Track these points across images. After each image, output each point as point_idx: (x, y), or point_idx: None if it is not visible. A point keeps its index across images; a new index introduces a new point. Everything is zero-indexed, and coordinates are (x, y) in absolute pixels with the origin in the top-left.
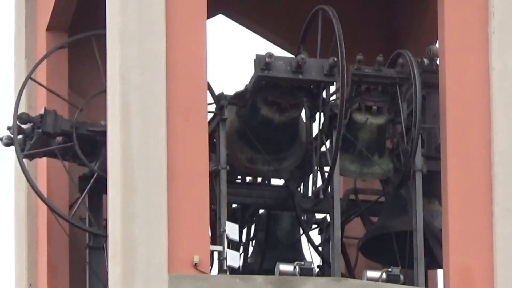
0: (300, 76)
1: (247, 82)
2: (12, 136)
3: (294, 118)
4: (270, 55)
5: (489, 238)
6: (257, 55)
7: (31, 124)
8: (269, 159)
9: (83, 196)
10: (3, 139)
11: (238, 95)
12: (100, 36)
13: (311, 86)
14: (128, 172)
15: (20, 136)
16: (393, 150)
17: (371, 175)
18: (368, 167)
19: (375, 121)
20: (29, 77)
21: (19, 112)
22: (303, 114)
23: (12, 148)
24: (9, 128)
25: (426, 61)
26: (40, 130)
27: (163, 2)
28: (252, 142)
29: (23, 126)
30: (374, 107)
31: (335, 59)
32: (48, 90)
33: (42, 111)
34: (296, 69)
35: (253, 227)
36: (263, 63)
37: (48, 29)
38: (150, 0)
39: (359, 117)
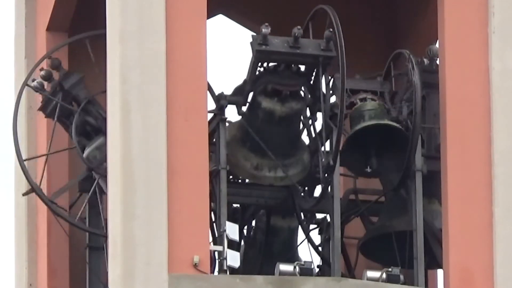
0: (298, 51)
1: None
2: (41, 82)
3: (296, 112)
4: (266, 25)
5: (489, 238)
6: (253, 36)
7: (58, 76)
8: (275, 160)
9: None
10: (35, 82)
11: (238, 89)
12: (100, 36)
13: (310, 73)
14: (128, 172)
15: (46, 86)
16: None
17: (390, 119)
18: (383, 120)
19: (374, 100)
20: (29, 77)
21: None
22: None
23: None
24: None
25: (426, 61)
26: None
27: (163, 2)
28: (257, 147)
29: (52, 70)
30: (369, 97)
31: (331, 30)
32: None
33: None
34: (294, 43)
35: (253, 227)
36: (260, 38)
37: (48, 29)
38: (150, 0)
39: (358, 104)
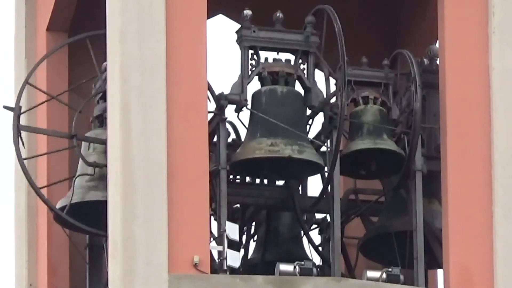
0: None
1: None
2: None
3: (296, 94)
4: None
5: (489, 238)
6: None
7: None
8: (289, 137)
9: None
10: None
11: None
12: (99, 36)
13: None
14: (128, 172)
15: None
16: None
17: (386, 144)
18: (380, 140)
19: (375, 106)
20: (29, 77)
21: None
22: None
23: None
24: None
25: (426, 61)
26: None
27: (163, 2)
28: (266, 132)
29: None
30: (371, 97)
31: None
32: (45, 93)
33: None
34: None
35: (253, 226)
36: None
37: (48, 29)
38: (150, 0)
39: (359, 107)
